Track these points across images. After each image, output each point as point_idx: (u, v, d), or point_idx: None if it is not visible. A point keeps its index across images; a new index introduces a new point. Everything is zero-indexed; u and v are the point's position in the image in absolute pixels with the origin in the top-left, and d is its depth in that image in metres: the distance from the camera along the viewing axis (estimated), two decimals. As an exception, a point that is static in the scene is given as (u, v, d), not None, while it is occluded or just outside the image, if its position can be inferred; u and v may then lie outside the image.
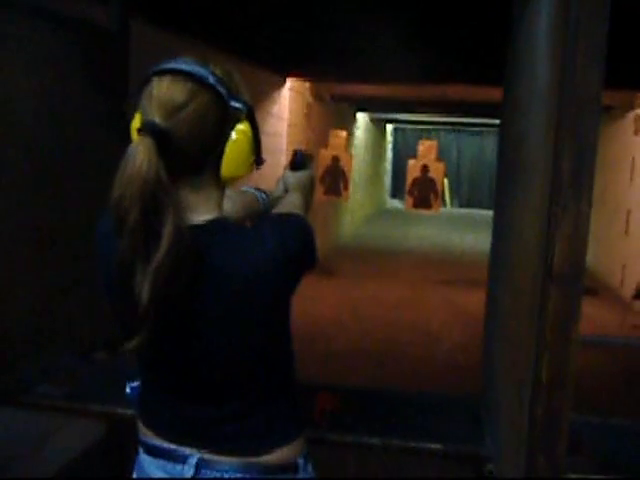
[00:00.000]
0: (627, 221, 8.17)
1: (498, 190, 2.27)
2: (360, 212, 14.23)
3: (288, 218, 1.36)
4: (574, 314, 1.31)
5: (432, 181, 7.44)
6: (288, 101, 7.55)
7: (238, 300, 1.22)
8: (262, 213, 1.68)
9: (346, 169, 7.52)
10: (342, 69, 6.14)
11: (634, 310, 7.24)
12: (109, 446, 2.52)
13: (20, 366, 2.29)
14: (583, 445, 1.86)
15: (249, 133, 1.29)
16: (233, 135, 1.26)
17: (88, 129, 2.60)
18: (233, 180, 1.31)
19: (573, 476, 1.68)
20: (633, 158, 8.20)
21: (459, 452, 1.93)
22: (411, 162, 7.54)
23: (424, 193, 7.45)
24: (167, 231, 1.12)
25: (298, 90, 7.96)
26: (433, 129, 19.44)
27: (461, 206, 20.69)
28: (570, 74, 1.29)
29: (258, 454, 1.33)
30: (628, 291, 7.69)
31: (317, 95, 8.77)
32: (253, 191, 1.70)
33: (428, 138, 12.47)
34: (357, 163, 13.34)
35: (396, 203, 20.67)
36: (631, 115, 8.42)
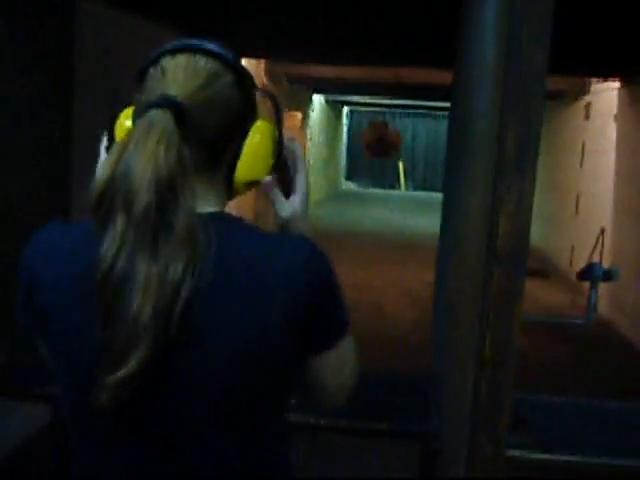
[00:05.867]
0: (577, 204, 8.33)
1: (447, 171, 2.29)
2: (315, 194, 14.23)
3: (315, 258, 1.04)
4: (517, 293, 1.33)
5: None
6: (242, 81, 7.47)
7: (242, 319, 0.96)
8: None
9: (301, 150, 7.52)
10: (296, 50, 6.10)
11: (582, 291, 7.40)
12: (55, 430, 2.48)
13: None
14: (525, 423, 1.89)
15: (273, 130, 1.07)
16: (253, 131, 1.05)
17: (29, 102, 2.53)
18: (245, 188, 1.10)
19: (515, 453, 1.72)
20: (583, 142, 8.34)
21: (406, 430, 1.95)
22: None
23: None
24: (181, 221, 0.90)
25: (253, 71, 7.89)
26: (388, 112, 19.52)
27: (416, 189, 20.86)
28: (515, 56, 1.30)
29: None
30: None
31: (272, 76, 8.71)
32: None
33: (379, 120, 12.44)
34: (312, 145, 13.33)
35: (351, 185, 20.72)
36: (582, 101, 8.56)
